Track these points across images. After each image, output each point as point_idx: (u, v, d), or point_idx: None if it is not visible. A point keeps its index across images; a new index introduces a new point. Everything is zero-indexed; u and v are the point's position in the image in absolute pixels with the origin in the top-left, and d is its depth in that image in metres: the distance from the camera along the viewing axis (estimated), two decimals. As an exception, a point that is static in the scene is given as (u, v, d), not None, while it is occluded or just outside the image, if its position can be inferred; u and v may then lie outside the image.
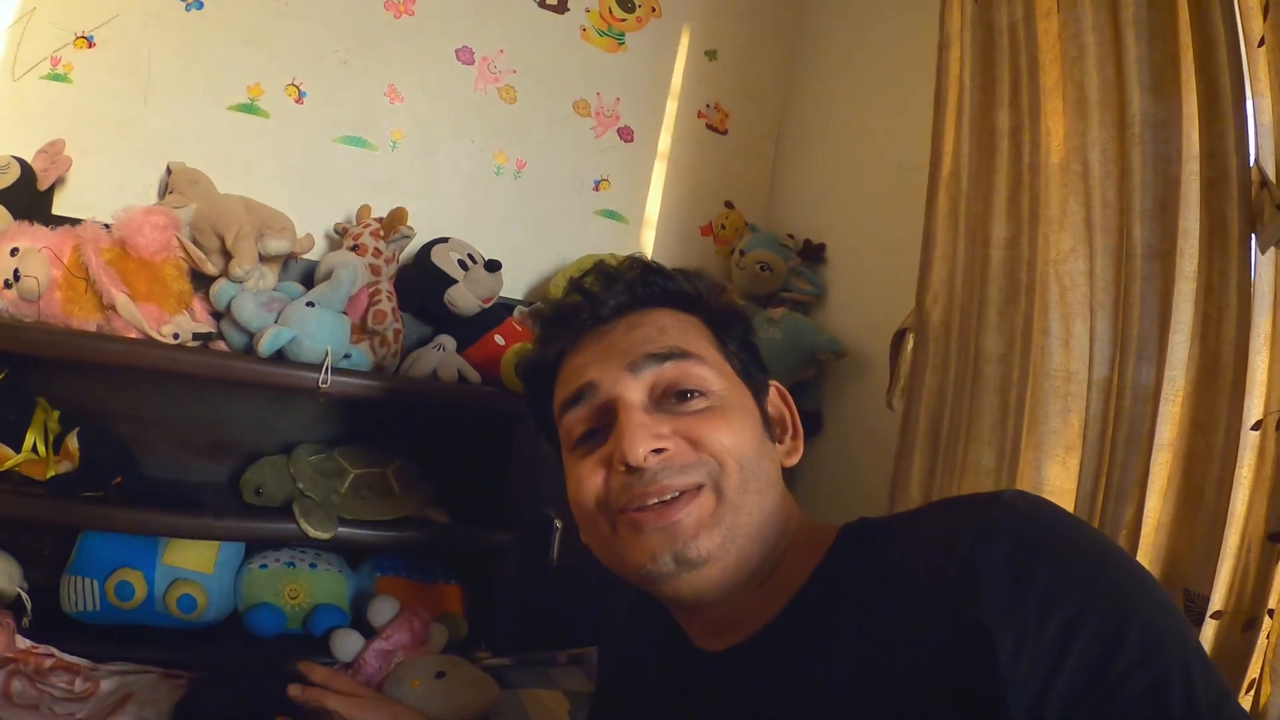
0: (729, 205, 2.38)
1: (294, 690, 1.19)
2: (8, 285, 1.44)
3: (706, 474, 0.85)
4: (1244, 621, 1.11)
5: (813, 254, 2.21)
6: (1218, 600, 1.13)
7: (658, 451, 0.84)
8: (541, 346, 1.02)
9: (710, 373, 0.90)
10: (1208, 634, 1.13)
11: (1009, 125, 1.52)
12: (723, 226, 2.36)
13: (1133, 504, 1.24)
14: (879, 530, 0.86)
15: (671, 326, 0.94)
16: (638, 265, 1.00)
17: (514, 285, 2.02)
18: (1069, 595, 0.65)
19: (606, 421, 0.89)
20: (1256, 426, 1.13)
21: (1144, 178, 1.25)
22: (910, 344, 1.73)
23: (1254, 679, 1.10)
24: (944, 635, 0.68)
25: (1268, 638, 1.09)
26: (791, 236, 2.25)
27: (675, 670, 0.97)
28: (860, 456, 2.00)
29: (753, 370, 0.97)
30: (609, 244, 2.21)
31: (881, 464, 1.80)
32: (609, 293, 0.97)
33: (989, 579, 0.68)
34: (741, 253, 2.19)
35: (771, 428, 0.95)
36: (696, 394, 0.88)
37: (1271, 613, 1.09)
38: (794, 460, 0.97)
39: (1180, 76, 1.24)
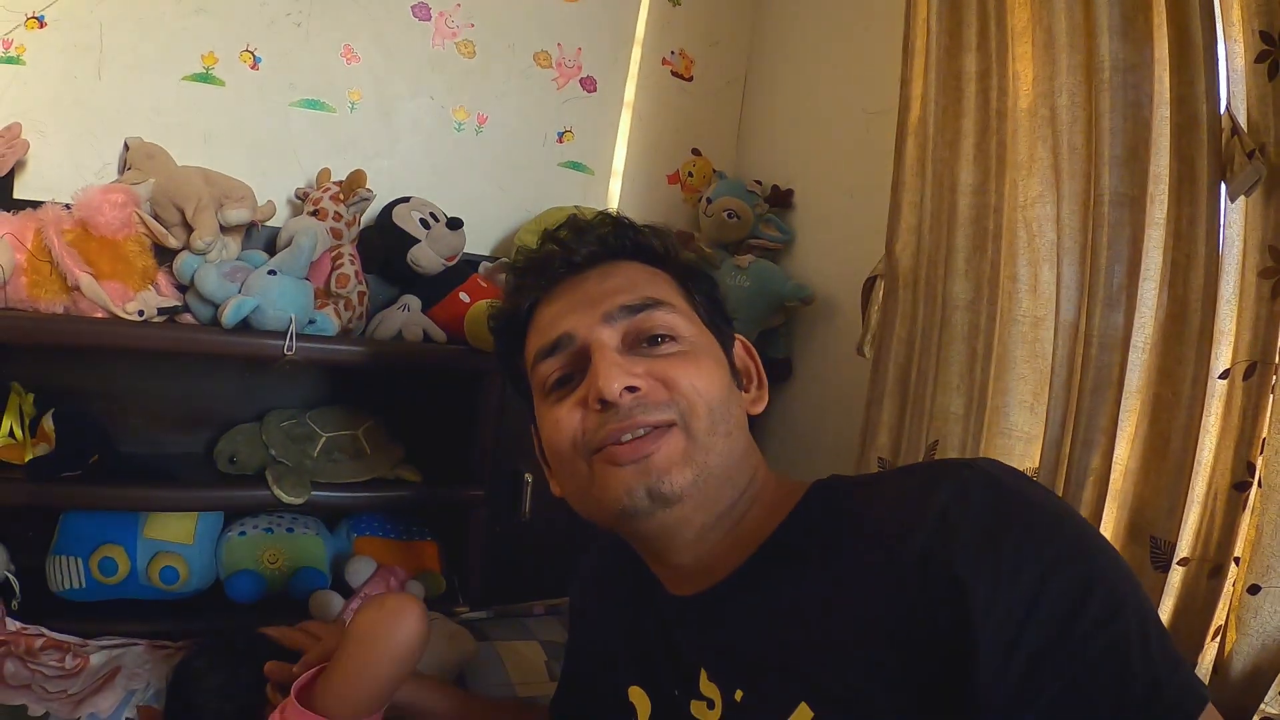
0: (696, 153, 2.35)
1: (271, 630, 1.21)
2: None
3: (677, 413, 0.87)
4: (1210, 569, 1.14)
5: (781, 200, 2.20)
6: (1184, 548, 1.16)
7: (632, 390, 0.86)
8: (514, 296, 1.03)
9: (681, 320, 0.92)
10: (1174, 581, 1.16)
11: (977, 70, 1.51)
12: (690, 174, 2.33)
13: (1100, 451, 1.26)
14: (851, 486, 0.89)
15: (643, 279, 0.96)
16: (609, 219, 1.02)
17: (479, 241, 1.99)
18: (1038, 553, 0.68)
19: (581, 367, 0.91)
20: (1224, 375, 1.14)
21: (1113, 123, 1.25)
22: (880, 291, 1.73)
23: (1219, 626, 1.13)
24: (916, 586, 0.71)
25: (1233, 585, 1.12)
26: (759, 183, 2.23)
27: (646, 615, 1.00)
28: (830, 404, 2.01)
29: (719, 323, 0.99)
30: (574, 196, 2.18)
31: (851, 411, 1.81)
32: (581, 243, 0.99)
33: (963, 534, 0.70)
34: (709, 200, 2.18)
35: (739, 377, 0.98)
36: (667, 338, 0.91)
37: (1237, 560, 1.11)
38: (759, 408, 1.00)
39: (1151, 21, 1.23)
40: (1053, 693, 0.65)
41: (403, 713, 1.26)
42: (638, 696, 0.97)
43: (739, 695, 0.82)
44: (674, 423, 0.87)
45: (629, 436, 0.86)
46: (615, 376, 0.86)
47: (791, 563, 0.85)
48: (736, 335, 1.02)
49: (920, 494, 0.76)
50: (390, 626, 1.05)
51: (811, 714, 0.74)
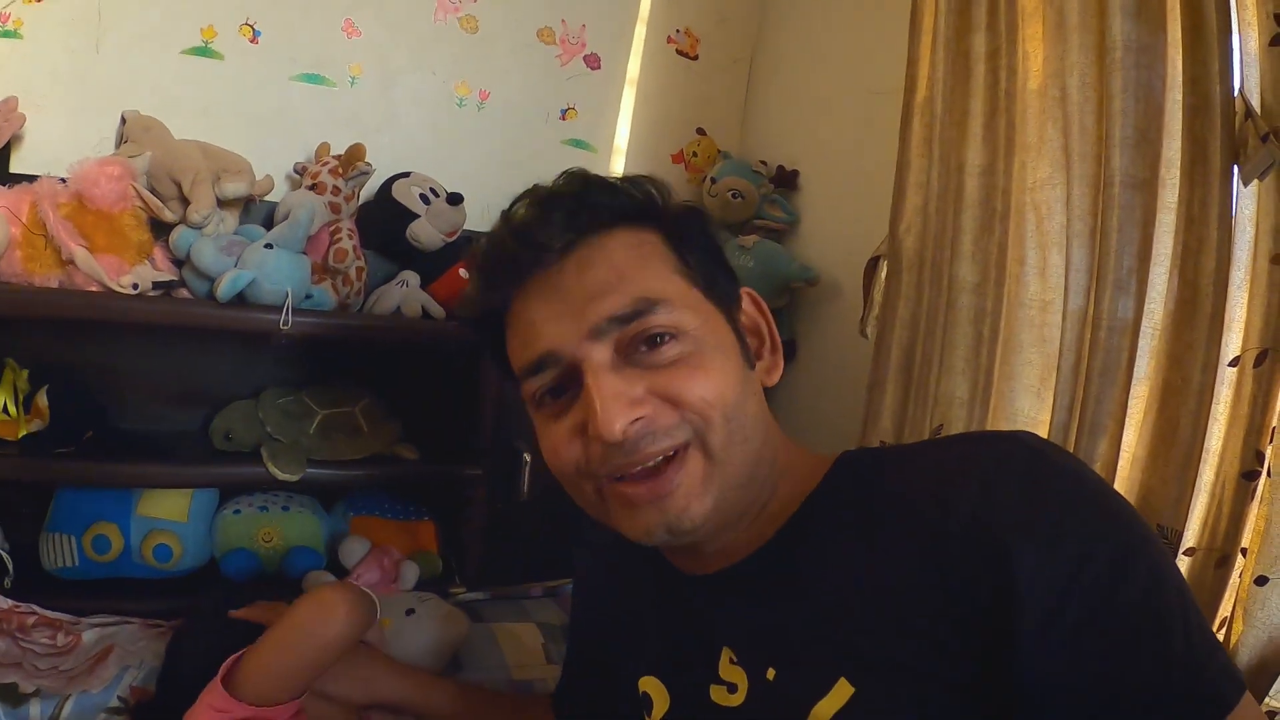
0: (700, 132, 2.33)
1: (237, 613, 1.19)
2: None
3: (691, 432, 0.78)
4: (1217, 559, 1.13)
5: (786, 181, 2.18)
6: (1191, 537, 1.15)
7: (636, 419, 0.77)
8: (484, 293, 0.91)
9: (680, 313, 0.80)
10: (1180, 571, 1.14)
11: (986, 49, 1.48)
12: (694, 154, 2.31)
13: (1107, 437, 1.24)
14: (882, 457, 0.86)
15: (627, 261, 0.83)
16: (576, 182, 0.88)
17: (479, 218, 1.96)
18: (1082, 522, 0.67)
19: (573, 380, 0.81)
20: (1234, 363, 1.13)
21: (1124, 104, 1.22)
22: (884, 272, 1.71)
23: (1225, 617, 1.11)
24: (958, 554, 0.69)
25: (1240, 576, 1.10)
26: (764, 163, 2.21)
27: (659, 599, 0.96)
28: (833, 386, 2.00)
29: (720, 280, 0.87)
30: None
31: (854, 394, 1.79)
32: (549, 228, 0.83)
33: (1007, 502, 0.68)
34: (713, 180, 2.15)
35: (747, 346, 0.87)
36: (667, 337, 0.79)
37: (1244, 551, 1.10)
38: (774, 378, 0.89)
39: (1164, 2, 1.20)
40: (1095, 666, 0.63)
41: (401, 710, 1.25)
42: (653, 687, 0.92)
43: (771, 674, 0.78)
44: (688, 443, 0.79)
45: (639, 468, 0.78)
46: (615, 415, 0.76)
47: (822, 536, 0.81)
48: (744, 290, 0.91)
49: (960, 463, 0.74)
50: (313, 621, 1.06)
51: (852, 689, 0.71)
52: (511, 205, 0.89)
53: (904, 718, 0.69)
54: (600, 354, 0.79)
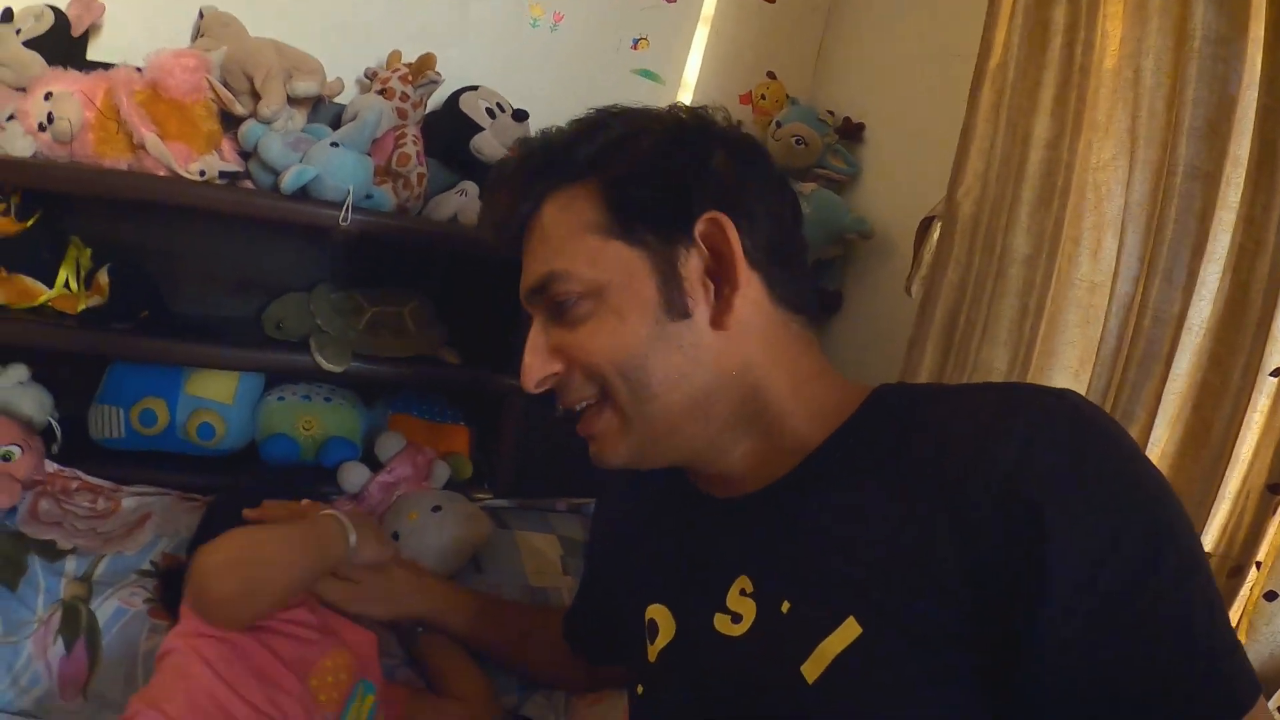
0: (771, 76, 2.30)
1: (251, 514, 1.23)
2: (42, 128, 1.45)
3: (598, 391, 0.86)
4: (1230, 568, 1.12)
5: (851, 133, 2.17)
6: (1208, 543, 1.14)
7: (549, 375, 0.87)
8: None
9: (582, 278, 0.84)
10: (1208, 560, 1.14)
11: (1064, 22, 1.45)
12: (763, 97, 2.28)
13: (1139, 426, 1.23)
14: (920, 394, 0.84)
15: (551, 231, 0.87)
16: (523, 153, 0.93)
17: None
18: (1122, 493, 0.65)
19: None
20: (1276, 373, 1.11)
21: (1197, 94, 1.19)
22: (936, 233, 1.70)
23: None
24: (989, 508, 0.67)
25: (1250, 589, 1.09)
26: (831, 113, 2.19)
27: (679, 522, 0.96)
28: (877, 340, 2.01)
29: (663, 219, 0.84)
30: (643, 104, 2.14)
31: (895, 352, 1.79)
32: (500, 213, 0.93)
33: (1046, 461, 0.66)
34: (778, 125, 2.13)
35: (679, 294, 0.83)
36: (574, 301, 0.84)
37: (1259, 564, 1.09)
38: (727, 320, 0.83)
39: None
40: (1114, 645, 0.62)
41: (423, 621, 1.31)
42: (660, 615, 0.93)
43: (785, 606, 0.77)
44: (599, 399, 0.86)
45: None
46: (529, 372, 0.87)
47: (849, 469, 0.80)
48: (709, 215, 0.83)
49: (1000, 415, 0.71)
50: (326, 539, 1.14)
51: (859, 630, 0.71)
52: (494, 171, 0.95)
53: (907, 666, 0.69)
54: (537, 313, 0.89)
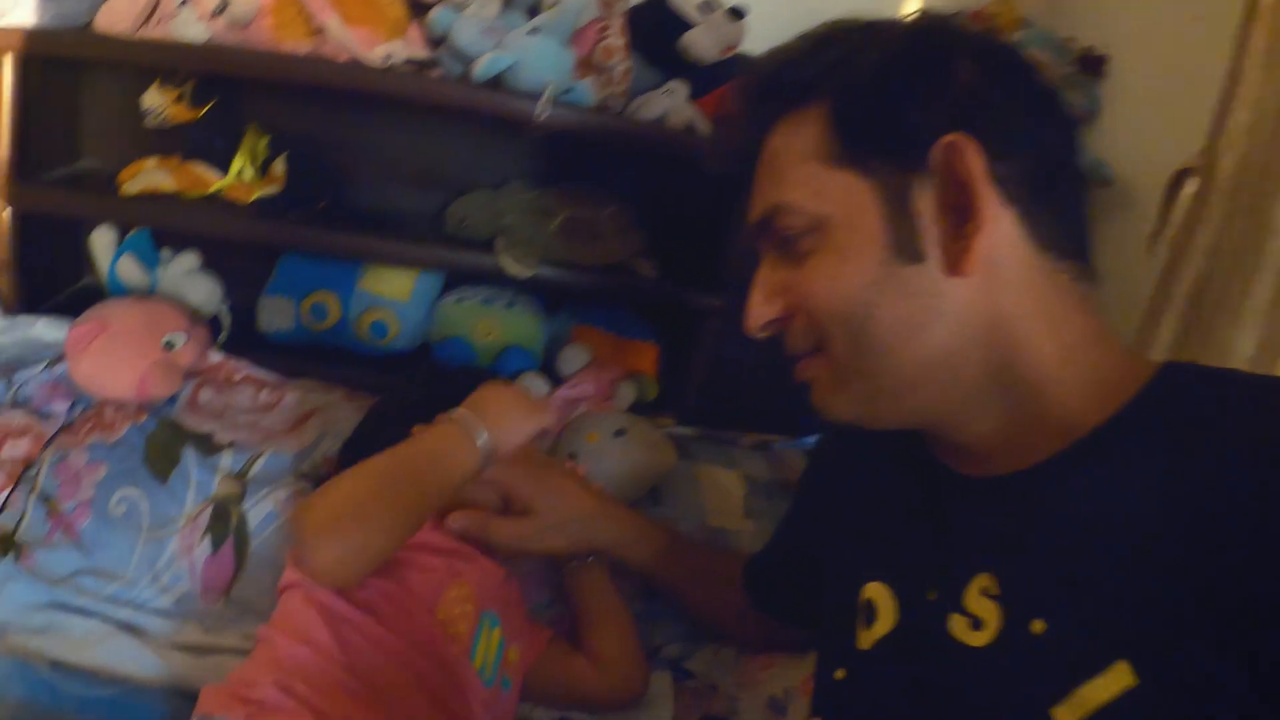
0: (1005, -7, 2.10)
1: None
2: (217, 13, 1.39)
3: (816, 340, 0.77)
4: None
5: (1091, 65, 1.95)
6: None
7: (772, 320, 0.81)
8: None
9: (802, 201, 0.75)
10: None
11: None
12: (996, 15, 2.09)
13: None
14: (1225, 387, 0.68)
15: (776, 160, 0.80)
16: (749, 75, 0.85)
17: (757, 38, 1.81)
18: None
19: None
20: None
21: None
22: (1190, 189, 1.50)
23: None
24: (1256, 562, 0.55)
25: None
26: (1072, 40, 1.99)
27: (913, 494, 0.84)
28: (1107, 301, 1.81)
29: (893, 143, 0.72)
30: (866, 10, 1.99)
31: (1129, 318, 1.61)
32: (727, 142, 0.90)
33: None
34: (1011, 48, 1.95)
35: (914, 231, 0.71)
36: (793, 236, 0.76)
37: None
38: (967, 267, 0.69)
39: None
40: None
41: (606, 552, 1.22)
42: (881, 596, 0.82)
43: (1039, 627, 0.64)
44: (818, 347, 0.78)
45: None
46: (752, 316, 0.81)
47: (1130, 465, 0.65)
48: (949, 139, 0.69)
49: None
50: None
51: (1133, 680, 0.58)
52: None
53: None
54: (766, 250, 0.82)
